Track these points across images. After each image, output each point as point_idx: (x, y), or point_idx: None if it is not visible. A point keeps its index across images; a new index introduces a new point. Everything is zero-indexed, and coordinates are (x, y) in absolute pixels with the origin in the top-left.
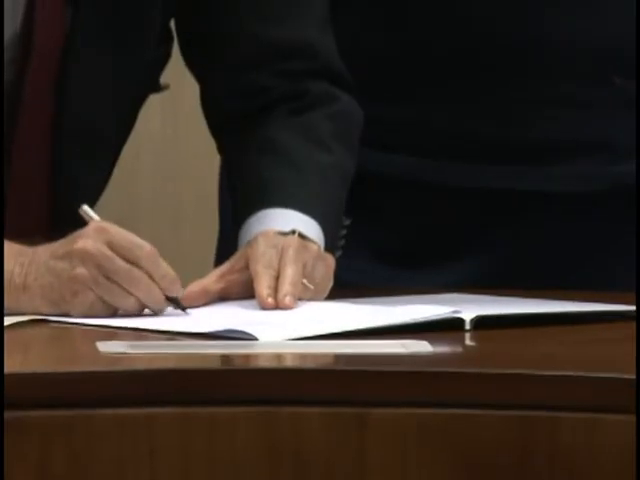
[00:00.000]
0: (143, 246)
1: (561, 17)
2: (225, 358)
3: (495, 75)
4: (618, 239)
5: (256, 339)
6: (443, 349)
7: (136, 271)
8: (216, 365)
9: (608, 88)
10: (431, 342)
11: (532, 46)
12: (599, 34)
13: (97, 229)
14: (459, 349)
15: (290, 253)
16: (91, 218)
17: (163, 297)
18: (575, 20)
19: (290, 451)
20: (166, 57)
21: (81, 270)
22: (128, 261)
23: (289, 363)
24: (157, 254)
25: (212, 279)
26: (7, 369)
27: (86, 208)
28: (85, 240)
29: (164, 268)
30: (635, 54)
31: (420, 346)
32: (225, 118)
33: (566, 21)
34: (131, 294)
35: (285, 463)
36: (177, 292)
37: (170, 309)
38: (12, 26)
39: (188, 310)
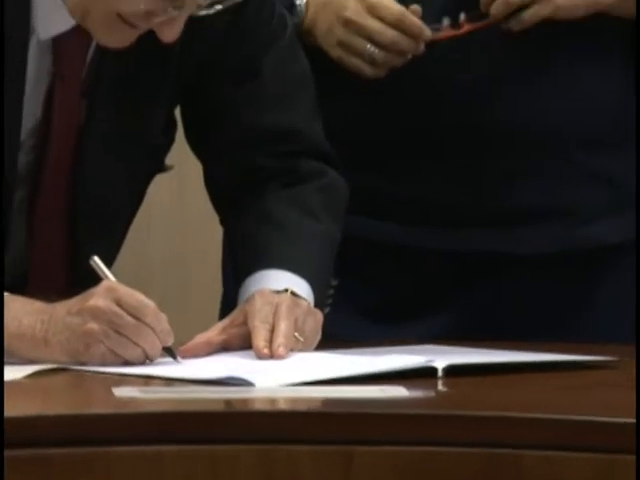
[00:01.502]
0: (148, 304)
1: (528, 101)
2: (226, 402)
3: (471, 152)
4: (582, 297)
5: (253, 385)
6: (418, 394)
7: (142, 326)
8: (218, 408)
9: (572, 162)
10: (407, 387)
11: (503, 127)
12: (562, 116)
13: (107, 288)
14: (432, 394)
15: (283, 309)
16: (101, 269)
17: (161, 348)
18: (541, 103)
19: None
20: (170, 141)
21: (93, 325)
22: (134, 317)
23: (283, 406)
24: (158, 310)
25: (215, 332)
26: (31, 411)
27: (97, 259)
28: (96, 298)
29: (164, 323)
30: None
31: (397, 391)
32: (226, 193)
33: (532, 104)
34: (138, 346)
35: None
36: (171, 343)
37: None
38: (32, 116)
39: (191, 360)
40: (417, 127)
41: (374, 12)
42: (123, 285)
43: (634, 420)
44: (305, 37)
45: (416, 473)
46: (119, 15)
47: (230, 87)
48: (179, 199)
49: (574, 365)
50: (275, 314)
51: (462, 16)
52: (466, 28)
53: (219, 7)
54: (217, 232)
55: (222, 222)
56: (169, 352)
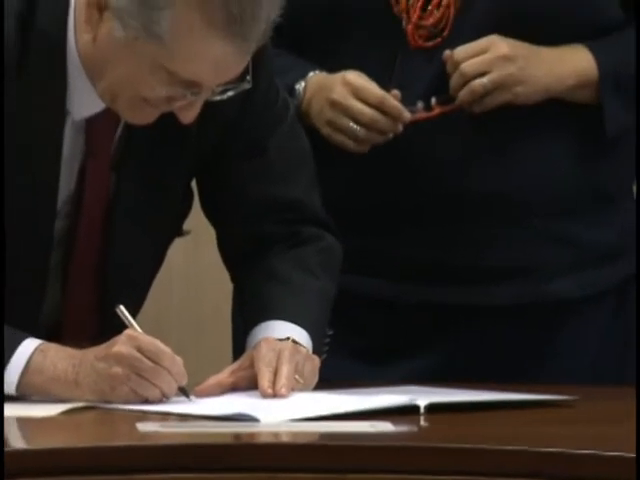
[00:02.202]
0: (164, 350)
1: (495, 174)
2: (235, 435)
3: (446, 218)
4: (546, 343)
5: (258, 420)
6: (403, 428)
7: (159, 369)
8: (227, 441)
9: (535, 227)
10: (393, 423)
11: (474, 197)
12: (525, 187)
13: (129, 337)
14: (415, 429)
15: (285, 355)
16: (125, 317)
17: (176, 388)
18: (506, 176)
19: None
20: (188, 210)
21: (117, 369)
22: (153, 361)
23: (285, 439)
24: (174, 355)
25: (225, 375)
26: (64, 443)
27: (122, 308)
28: (120, 346)
29: (179, 366)
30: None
31: (385, 426)
32: (236, 254)
33: (498, 177)
34: (156, 386)
35: None
36: (185, 384)
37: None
38: (67, 187)
39: (205, 399)
40: (398, 197)
41: (358, 95)
42: (143, 333)
43: (593, 451)
44: (303, 117)
45: None
46: (144, 99)
47: (240, 163)
48: (195, 258)
49: (538, 403)
50: (278, 359)
51: (433, 100)
52: (437, 111)
53: (231, 93)
54: (228, 287)
55: (232, 279)
56: (183, 391)
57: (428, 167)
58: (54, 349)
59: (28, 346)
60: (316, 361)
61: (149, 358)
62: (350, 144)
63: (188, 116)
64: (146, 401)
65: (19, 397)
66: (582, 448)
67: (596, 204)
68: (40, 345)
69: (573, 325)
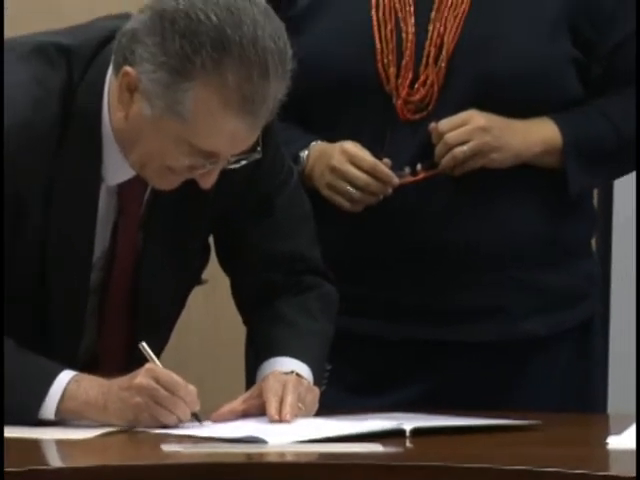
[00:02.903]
0: (179, 381)
1: (471, 228)
2: (246, 455)
3: (428, 267)
4: (516, 375)
5: (266, 442)
6: (391, 449)
7: (175, 398)
8: (240, 460)
9: (507, 274)
10: (383, 444)
11: (452, 248)
12: (498, 239)
13: (148, 370)
14: (402, 449)
15: (290, 386)
16: (147, 353)
17: (190, 414)
18: (481, 230)
19: None
20: (206, 262)
21: (138, 399)
22: (169, 391)
23: (289, 459)
24: (187, 385)
25: (238, 403)
26: (97, 462)
27: (144, 345)
28: (140, 378)
29: (192, 395)
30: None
31: (375, 447)
32: (248, 300)
33: (474, 231)
34: (172, 413)
35: None
36: (197, 410)
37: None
38: (102, 243)
39: (221, 423)
40: (388, 249)
41: (354, 162)
42: (161, 366)
43: (557, 469)
44: (306, 181)
45: None
46: (169, 168)
47: (251, 222)
48: (212, 303)
49: (509, 427)
50: (284, 390)
51: (419, 166)
52: (422, 175)
53: (243, 162)
54: (241, 329)
55: (244, 321)
56: (195, 417)
57: (414, 224)
58: (86, 379)
59: (65, 377)
60: (316, 391)
61: (166, 388)
62: (346, 204)
63: (207, 182)
64: (164, 426)
65: (58, 422)
66: (547, 466)
67: (559, 255)
68: (75, 376)
69: (539, 360)
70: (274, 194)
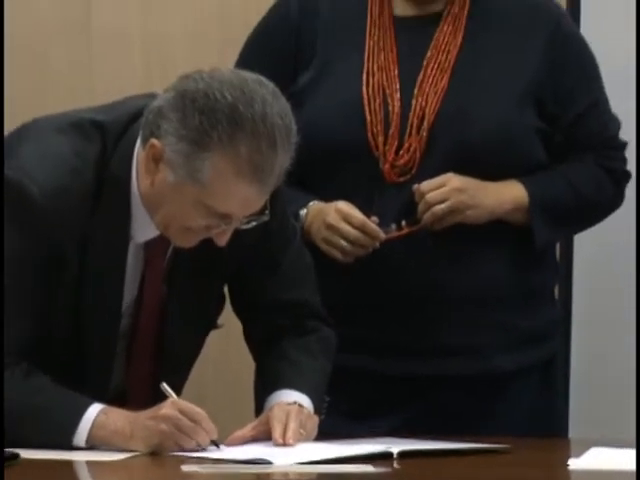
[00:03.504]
0: (199, 412)
1: (451, 276)
2: (255, 475)
3: (413, 311)
4: (489, 404)
5: (272, 463)
6: (381, 470)
7: (196, 426)
8: (249, 478)
9: (482, 316)
10: (374, 465)
11: (436, 294)
12: (474, 286)
13: (173, 402)
14: (390, 470)
15: (292, 414)
16: (168, 392)
17: (209, 441)
18: (459, 278)
19: None
20: (221, 309)
21: (163, 427)
22: (191, 420)
23: (291, 477)
24: (207, 416)
25: (247, 429)
26: None
27: (165, 386)
28: (165, 409)
29: (210, 424)
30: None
31: (367, 468)
32: (257, 341)
33: (453, 279)
34: (193, 439)
35: None
36: (215, 437)
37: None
38: (130, 293)
39: (233, 447)
40: (377, 295)
41: (346, 219)
42: (184, 401)
43: None
44: (305, 236)
45: None
46: (188, 228)
47: (260, 274)
48: (226, 343)
49: (483, 450)
50: (287, 418)
51: (403, 222)
52: (406, 231)
53: (254, 223)
54: (251, 365)
55: (254, 359)
56: (214, 443)
57: (399, 273)
58: (114, 411)
59: (94, 409)
60: (316, 419)
61: (188, 418)
62: (340, 256)
63: (222, 240)
64: (185, 450)
65: (89, 448)
66: None
67: (526, 301)
68: (103, 408)
69: (509, 392)
70: (281, 249)
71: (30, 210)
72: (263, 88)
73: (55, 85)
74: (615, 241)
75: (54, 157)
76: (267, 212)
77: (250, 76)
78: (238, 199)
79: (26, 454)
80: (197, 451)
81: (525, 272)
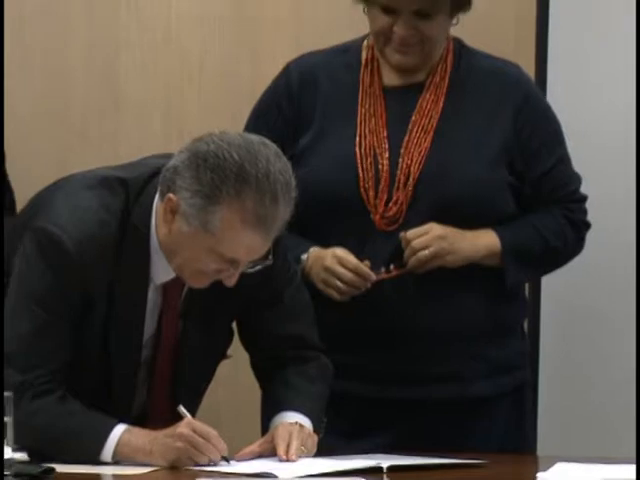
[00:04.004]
0: (211, 431)
1: (430, 315)
2: None
3: (399, 344)
4: (468, 426)
5: (277, 477)
6: None
7: (208, 444)
8: None
9: (460, 349)
10: (366, 478)
11: (418, 330)
12: (452, 322)
13: (187, 422)
14: None
15: (294, 433)
16: (185, 414)
17: (220, 456)
18: (439, 317)
19: None
20: (230, 341)
21: (179, 444)
22: (204, 439)
23: None
24: (217, 434)
25: (254, 446)
26: None
27: (181, 407)
28: (181, 428)
29: (221, 442)
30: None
31: None
32: (263, 370)
33: (433, 318)
34: (206, 455)
35: None
36: (226, 454)
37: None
38: (151, 328)
39: (241, 462)
40: (367, 330)
41: (342, 263)
42: (197, 421)
43: None
44: (305, 277)
45: None
46: (201, 271)
47: (265, 311)
48: (236, 371)
49: (463, 465)
50: (290, 436)
51: (392, 266)
52: (394, 273)
53: (258, 267)
54: (257, 391)
55: (260, 386)
56: (224, 458)
57: (388, 309)
58: (136, 430)
59: (119, 428)
60: (315, 438)
61: (201, 436)
62: (336, 295)
63: (231, 282)
64: (199, 465)
65: (115, 463)
66: None
67: (499, 333)
68: (127, 428)
69: (485, 414)
70: (282, 289)
71: (62, 257)
72: (267, 149)
73: (87, 147)
74: (578, 281)
75: (83, 210)
76: (270, 257)
77: (255, 138)
78: (244, 246)
79: (60, 468)
80: (209, 465)
81: (498, 309)
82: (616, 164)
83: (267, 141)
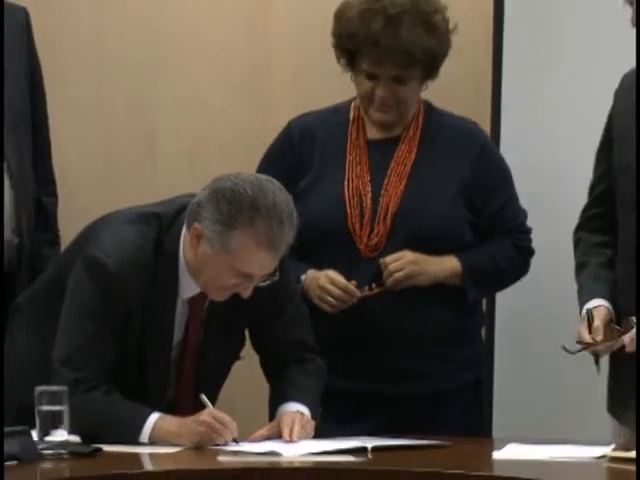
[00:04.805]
0: (226, 418)
1: (405, 323)
2: (270, 462)
3: (379, 347)
4: (435, 414)
5: (281, 454)
6: (358, 459)
7: (223, 428)
8: (265, 465)
9: (427, 351)
10: (354, 456)
11: (392, 335)
12: (425, 329)
13: (209, 412)
14: (365, 459)
15: (296, 420)
16: (206, 403)
17: (232, 438)
18: (415, 323)
19: None
20: (242, 345)
21: (202, 429)
22: (221, 424)
23: (296, 464)
24: (232, 420)
25: (263, 430)
26: (176, 467)
27: (204, 397)
28: (203, 416)
29: (234, 426)
30: None
31: (348, 458)
32: (270, 369)
33: (408, 325)
34: (222, 437)
35: None
36: (236, 436)
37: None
38: (179, 333)
39: (253, 443)
40: (354, 335)
41: (333, 282)
42: (217, 410)
43: (461, 472)
44: (304, 294)
45: None
46: (222, 286)
47: (271, 320)
48: (250, 369)
49: (431, 446)
50: (292, 422)
51: (373, 285)
52: (376, 291)
53: (268, 282)
54: (265, 385)
55: (268, 381)
56: (235, 440)
57: (370, 320)
58: (168, 417)
59: (154, 416)
60: (313, 423)
61: (219, 422)
62: (328, 309)
63: (246, 294)
64: (217, 445)
65: (151, 443)
66: (454, 469)
67: (461, 339)
68: (160, 415)
69: (449, 405)
70: (286, 303)
71: (106, 277)
72: (273, 185)
73: (129, 188)
74: (525, 296)
75: (124, 240)
76: (277, 274)
77: (264, 177)
78: (258, 263)
79: (106, 448)
80: (225, 445)
81: (460, 319)
82: (556, 199)
83: (274, 179)
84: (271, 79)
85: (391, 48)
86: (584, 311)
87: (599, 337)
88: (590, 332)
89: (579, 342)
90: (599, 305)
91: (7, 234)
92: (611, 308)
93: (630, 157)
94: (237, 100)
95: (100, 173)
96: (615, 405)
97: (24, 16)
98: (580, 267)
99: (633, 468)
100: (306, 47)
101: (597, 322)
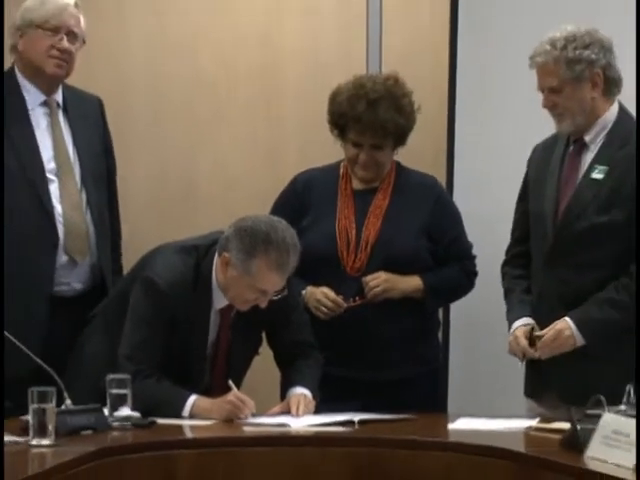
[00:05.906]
0: (247, 399)
1: (381, 326)
2: (280, 432)
3: (360, 344)
4: (400, 398)
5: (289, 426)
6: (347, 429)
7: (245, 407)
8: (277, 434)
9: (397, 348)
10: (344, 427)
11: (370, 335)
12: (392, 332)
13: (234, 394)
14: (352, 429)
15: (302, 400)
16: (233, 388)
17: (250, 414)
18: (384, 326)
19: (311, 472)
20: (260, 344)
21: (228, 406)
22: (242, 403)
23: (301, 433)
24: (251, 400)
25: (277, 408)
26: (212, 435)
27: (231, 383)
28: (229, 397)
29: (252, 404)
30: None
31: (340, 428)
32: (281, 362)
33: (383, 327)
34: (242, 412)
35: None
36: (254, 412)
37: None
38: (213, 336)
39: (268, 417)
40: (343, 336)
41: (326, 296)
42: (239, 392)
43: (424, 439)
44: (304, 305)
45: (352, 462)
46: (245, 300)
47: (281, 325)
48: (268, 362)
49: (402, 419)
50: (298, 402)
51: (357, 298)
52: (359, 302)
53: (278, 296)
54: (278, 373)
55: (280, 371)
56: (252, 415)
57: (355, 325)
58: (203, 398)
59: (193, 397)
60: (313, 402)
61: (241, 402)
62: (322, 316)
63: (263, 304)
64: (239, 419)
65: (190, 417)
66: (417, 437)
67: (423, 337)
68: (198, 397)
69: (414, 389)
70: (292, 310)
71: (158, 293)
72: (282, 224)
73: (174, 226)
74: (471, 307)
75: (171, 265)
76: (285, 290)
77: (275, 218)
78: (271, 282)
79: (159, 421)
80: (246, 419)
81: (421, 324)
82: (495, 234)
83: (282, 219)
84: (277, 139)
85: (371, 124)
86: (522, 327)
87: (537, 354)
88: (531, 345)
89: (523, 353)
90: (528, 323)
91: (108, 275)
92: (534, 323)
93: (535, 206)
94: (252, 163)
95: (157, 209)
96: (534, 389)
97: (98, 104)
98: (508, 292)
99: (554, 436)
100: (311, 126)
101: (538, 341)
